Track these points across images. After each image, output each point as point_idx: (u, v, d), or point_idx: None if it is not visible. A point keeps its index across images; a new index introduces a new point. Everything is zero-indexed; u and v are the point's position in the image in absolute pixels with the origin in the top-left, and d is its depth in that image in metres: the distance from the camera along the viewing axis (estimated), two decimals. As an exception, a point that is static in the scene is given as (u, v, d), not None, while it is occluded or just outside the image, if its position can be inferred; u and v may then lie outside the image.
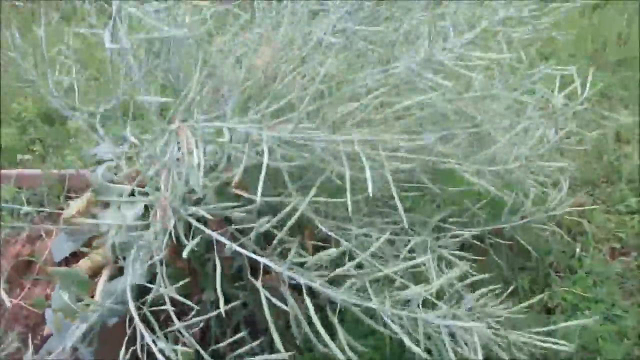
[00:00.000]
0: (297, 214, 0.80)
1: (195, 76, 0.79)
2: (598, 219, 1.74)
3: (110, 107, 0.93)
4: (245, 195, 1.04)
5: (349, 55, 0.91)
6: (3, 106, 2.40)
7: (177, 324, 0.82)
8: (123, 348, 0.80)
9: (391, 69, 0.78)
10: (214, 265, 1.12)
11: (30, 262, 1.31)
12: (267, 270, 1.32)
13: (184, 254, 0.75)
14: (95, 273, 1.16)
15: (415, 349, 0.67)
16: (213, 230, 1.07)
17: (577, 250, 1.63)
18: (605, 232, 1.71)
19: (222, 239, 0.77)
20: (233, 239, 1.16)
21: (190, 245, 0.76)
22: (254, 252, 1.05)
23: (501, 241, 1.31)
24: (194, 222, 0.78)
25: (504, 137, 0.85)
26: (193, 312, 1.10)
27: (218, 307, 1.21)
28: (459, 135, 0.87)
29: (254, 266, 1.24)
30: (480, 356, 0.71)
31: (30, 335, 1.16)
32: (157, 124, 0.71)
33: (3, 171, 1.57)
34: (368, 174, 0.63)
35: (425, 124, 0.86)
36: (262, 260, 0.73)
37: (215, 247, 1.11)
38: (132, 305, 0.77)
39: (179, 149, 0.76)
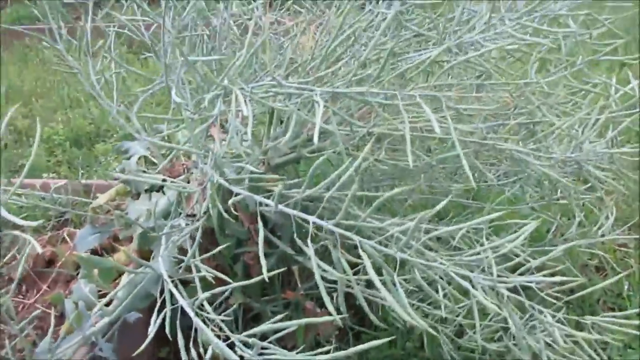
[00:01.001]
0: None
1: (242, 51, 0.77)
2: (644, 259, 1.64)
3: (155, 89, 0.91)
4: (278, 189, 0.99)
5: (399, 42, 0.89)
6: (34, 129, 2.43)
7: (211, 313, 0.75)
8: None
9: (447, 44, 0.75)
10: (244, 266, 1.06)
11: (50, 265, 1.26)
12: (293, 285, 1.25)
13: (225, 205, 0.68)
14: (119, 273, 1.10)
15: (491, 305, 0.59)
16: (245, 226, 1.02)
17: (625, 288, 1.52)
18: (653, 272, 1.60)
19: (262, 199, 0.71)
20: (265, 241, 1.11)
21: (231, 200, 0.70)
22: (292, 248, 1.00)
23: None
24: (236, 189, 0.73)
25: (559, 128, 0.80)
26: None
27: (245, 314, 1.14)
28: (513, 126, 0.82)
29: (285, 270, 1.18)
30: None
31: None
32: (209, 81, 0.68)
33: (27, 180, 1.55)
34: (432, 117, 0.58)
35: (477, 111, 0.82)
36: (311, 218, 0.67)
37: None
38: (165, 274, 0.71)
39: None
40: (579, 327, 0.79)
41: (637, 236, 1.63)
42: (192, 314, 0.65)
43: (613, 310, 1.49)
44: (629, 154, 1.00)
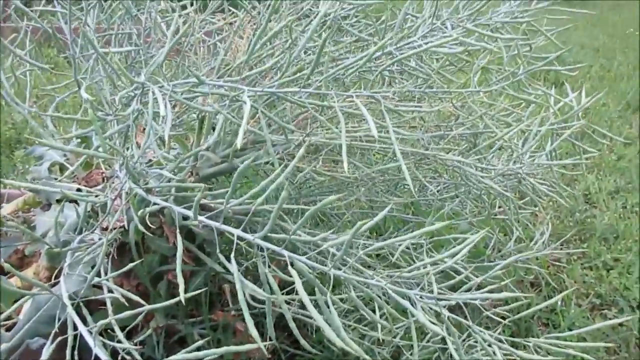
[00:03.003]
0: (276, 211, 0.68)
1: (166, 43, 0.70)
2: (576, 274, 1.67)
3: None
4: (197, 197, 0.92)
5: (338, 47, 0.84)
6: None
7: (122, 339, 0.66)
8: None
9: (388, 47, 0.71)
10: (168, 284, 0.97)
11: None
12: (224, 305, 1.17)
13: (132, 228, 0.61)
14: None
15: (431, 326, 0.54)
16: (170, 241, 0.93)
17: (559, 304, 1.54)
18: (585, 287, 1.63)
19: (182, 210, 0.64)
20: (192, 258, 1.02)
21: (148, 209, 0.62)
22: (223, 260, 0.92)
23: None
24: (153, 198, 0.65)
25: (501, 138, 0.78)
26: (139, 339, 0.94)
27: (169, 336, 1.04)
28: (455, 135, 0.79)
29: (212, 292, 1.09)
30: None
31: None
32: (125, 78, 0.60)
33: None
34: (369, 118, 0.53)
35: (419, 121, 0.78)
36: (235, 231, 0.60)
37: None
38: (65, 296, 0.61)
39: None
40: (517, 346, 0.76)
41: (570, 251, 1.66)
42: (91, 343, 0.56)
43: (547, 325, 1.50)
44: (567, 167, 0.99)
